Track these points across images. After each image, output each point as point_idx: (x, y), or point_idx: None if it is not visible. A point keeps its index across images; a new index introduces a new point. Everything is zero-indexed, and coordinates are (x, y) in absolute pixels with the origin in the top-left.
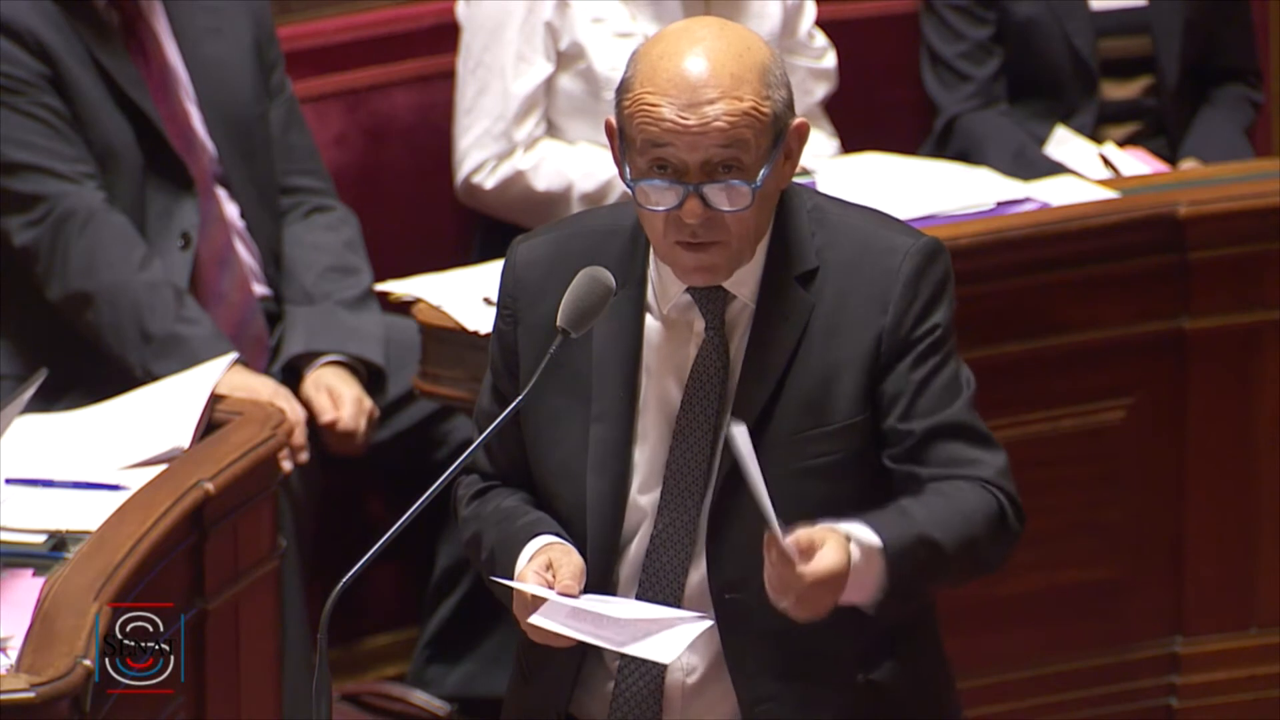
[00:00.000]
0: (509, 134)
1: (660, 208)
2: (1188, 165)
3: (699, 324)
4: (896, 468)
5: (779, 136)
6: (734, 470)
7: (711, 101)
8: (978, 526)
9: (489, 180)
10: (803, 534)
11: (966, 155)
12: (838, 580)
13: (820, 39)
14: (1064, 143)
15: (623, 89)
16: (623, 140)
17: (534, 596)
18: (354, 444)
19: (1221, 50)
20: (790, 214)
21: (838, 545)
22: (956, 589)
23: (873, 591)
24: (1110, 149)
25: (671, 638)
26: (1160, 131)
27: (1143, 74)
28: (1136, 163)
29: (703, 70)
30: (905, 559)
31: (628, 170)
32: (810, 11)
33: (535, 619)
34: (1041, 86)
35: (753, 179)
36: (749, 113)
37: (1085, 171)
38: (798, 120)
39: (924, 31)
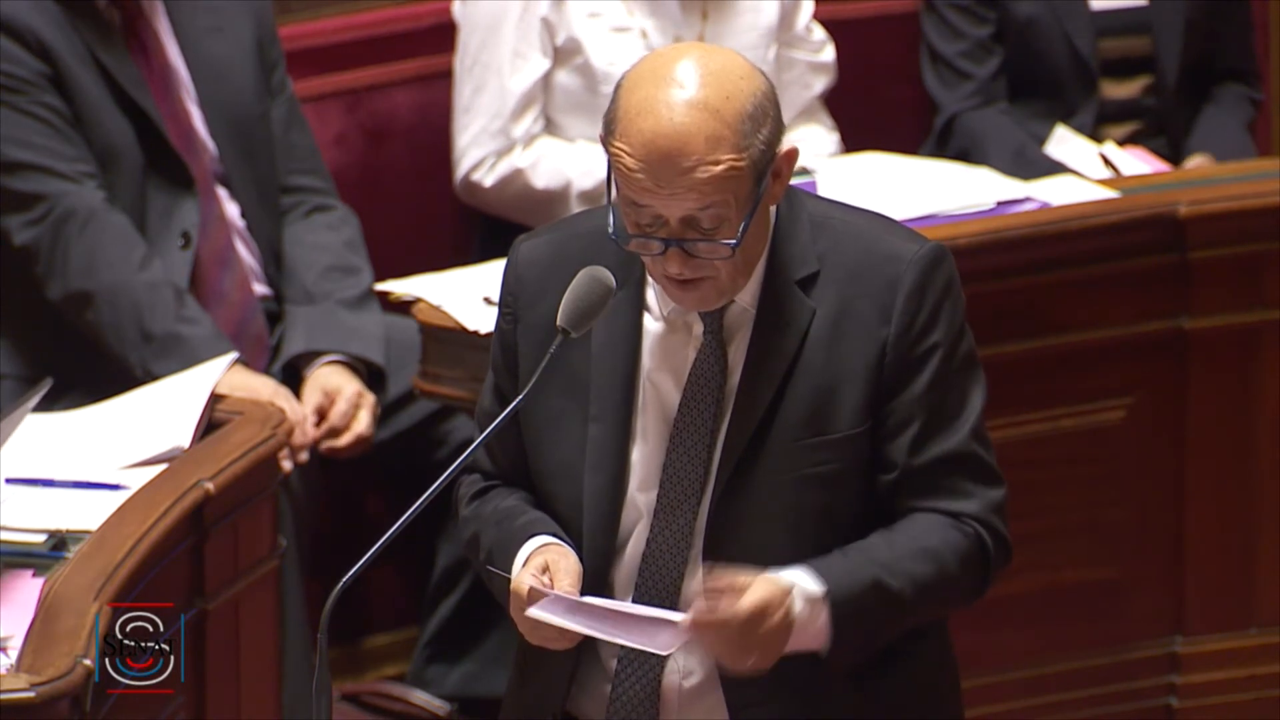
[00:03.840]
0: (507, 130)
1: (645, 255)
2: (1196, 162)
3: (698, 327)
4: (886, 498)
5: (762, 177)
6: (733, 477)
7: (686, 171)
8: (949, 567)
9: (488, 178)
10: (725, 577)
11: (967, 154)
12: (767, 615)
13: (819, 32)
14: (1064, 142)
15: (607, 125)
16: (609, 170)
17: (531, 595)
18: (353, 438)
19: (1221, 50)
20: (791, 218)
21: (766, 584)
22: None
23: (823, 640)
24: (1110, 148)
25: (670, 633)
26: (1160, 131)
27: (1142, 74)
28: (1137, 162)
29: (677, 138)
30: (853, 606)
31: (612, 218)
32: (808, 5)
33: (532, 611)
34: (1041, 86)
35: (733, 232)
36: (726, 175)
37: (1085, 171)
38: (786, 149)
39: (924, 30)
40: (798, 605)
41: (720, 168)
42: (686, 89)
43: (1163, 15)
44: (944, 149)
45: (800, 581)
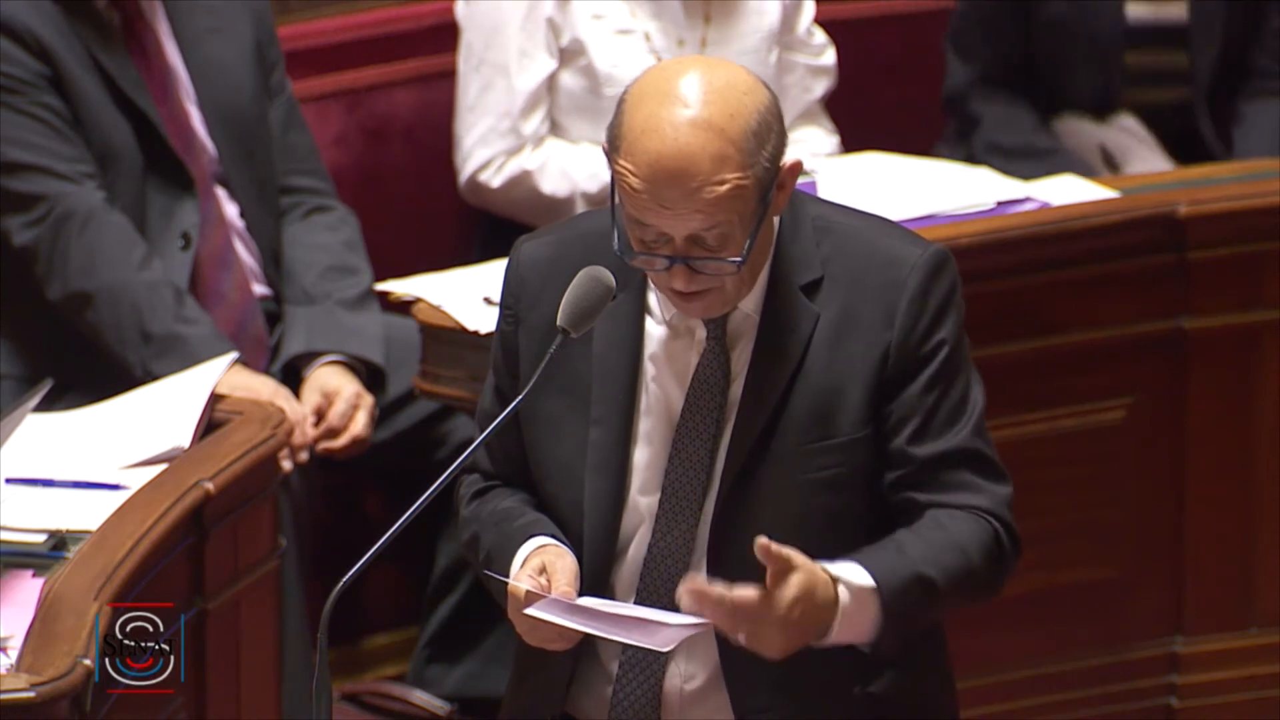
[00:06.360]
0: (516, 129)
1: (650, 270)
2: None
3: (701, 332)
4: (895, 495)
5: (766, 193)
6: (736, 482)
7: (692, 192)
8: (974, 560)
9: (496, 178)
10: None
11: (969, 133)
12: (807, 598)
13: (819, 36)
14: (1068, 128)
15: (612, 141)
16: (613, 184)
17: (528, 596)
18: (350, 439)
19: (1254, 50)
20: (794, 223)
21: (808, 570)
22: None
23: (869, 632)
24: (1112, 133)
25: (669, 631)
26: (1181, 142)
27: (1168, 86)
28: (1139, 146)
29: (682, 159)
30: (900, 599)
31: (616, 234)
32: (809, 9)
33: (532, 610)
34: (1060, 93)
35: (739, 249)
36: (731, 194)
37: (1083, 150)
38: (790, 162)
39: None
40: (844, 596)
41: (725, 187)
42: (691, 107)
43: (1200, 27)
44: (955, 125)
45: (848, 574)
